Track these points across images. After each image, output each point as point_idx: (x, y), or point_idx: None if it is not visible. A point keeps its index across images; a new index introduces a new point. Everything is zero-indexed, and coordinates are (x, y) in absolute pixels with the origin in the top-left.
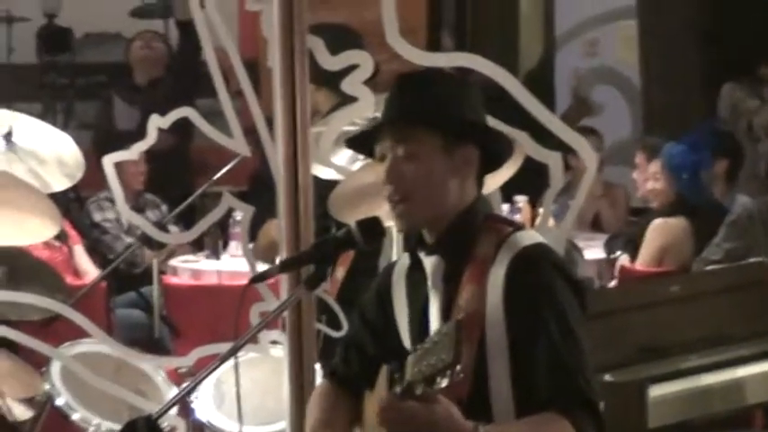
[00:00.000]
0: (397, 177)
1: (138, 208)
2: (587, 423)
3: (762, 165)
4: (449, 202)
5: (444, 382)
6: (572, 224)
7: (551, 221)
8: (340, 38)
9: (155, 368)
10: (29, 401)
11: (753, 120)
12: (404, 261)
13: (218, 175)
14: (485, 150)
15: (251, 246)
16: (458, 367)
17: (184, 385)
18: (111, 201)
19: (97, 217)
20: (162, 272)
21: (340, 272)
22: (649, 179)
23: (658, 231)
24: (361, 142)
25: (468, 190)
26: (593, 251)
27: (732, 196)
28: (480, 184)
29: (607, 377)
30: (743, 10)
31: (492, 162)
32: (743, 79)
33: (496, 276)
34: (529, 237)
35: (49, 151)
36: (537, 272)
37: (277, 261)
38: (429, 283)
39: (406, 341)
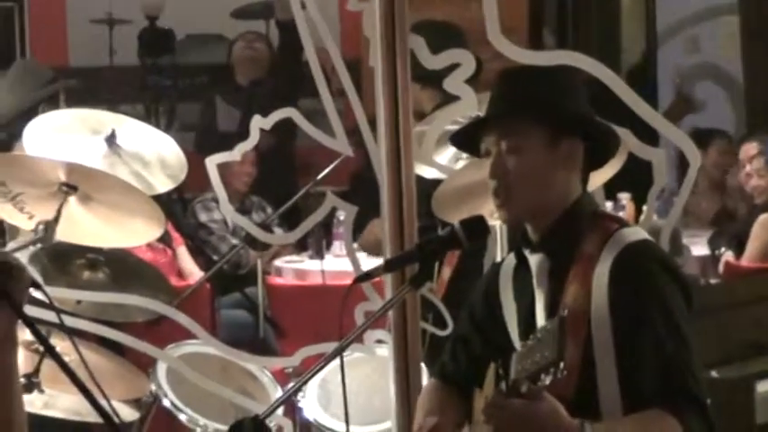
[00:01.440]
0: (502, 171)
1: (244, 210)
2: (695, 421)
3: None
4: (553, 195)
5: (548, 380)
6: (676, 220)
7: (655, 218)
8: (442, 36)
9: (260, 368)
10: (135, 403)
11: None
12: (510, 260)
13: (322, 175)
14: (590, 144)
15: (355, 244)
16: (561, 364)
17: (290, 385)
18: (217, 201)
19: (203, 217)
20: (266, 272)
21: (446, 272)
22: (753, 176)
23: (765, 227)
24: (465, 140)
25: (574, 186)
26: (698, 248)
27: None
28: (585, 180)
29: (713, 374)
30: None
31: (598, 156)
32: None
33: (601, 274)
34: (634, 233)
35: (151, 153)
36: (642, 269)
37: (381, 260)
38: (534, 281)
39: (515, 339)
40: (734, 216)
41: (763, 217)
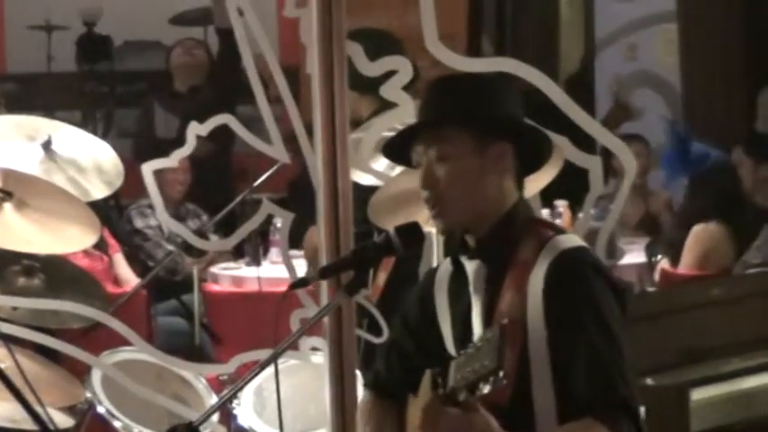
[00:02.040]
0: (432, 181)
1: (179, 217)
2: (626, 429)
3: None
4: (487, 201)
5: (487, 389)
6: (612, 228)
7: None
8: (379, 43)
9: (195, 375)
10: (70, 410)
11: None
12: (446, 266)
13: (258, 182)
14: (521, 147)
15: (298, 251)
16: (501, 373)
17: (225, 392)
18: (153, 208)
19: (139, 223)
20: (202, 279)
21: (381, 278)
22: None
23: (699, 237)
24: (397, 151)
25: (508, 192)
26: (634, 255)
27: None
28: (521, 186)
29: (649, 381)
30: None
31: (531, 161)
32: None
33: (536, 280)
34: (569, 240)
35: (88, 159)
36: (576, 275)
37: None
38: (471, 287)
39: (450, 346)
40: (657, 221)
41: (697, 227)
